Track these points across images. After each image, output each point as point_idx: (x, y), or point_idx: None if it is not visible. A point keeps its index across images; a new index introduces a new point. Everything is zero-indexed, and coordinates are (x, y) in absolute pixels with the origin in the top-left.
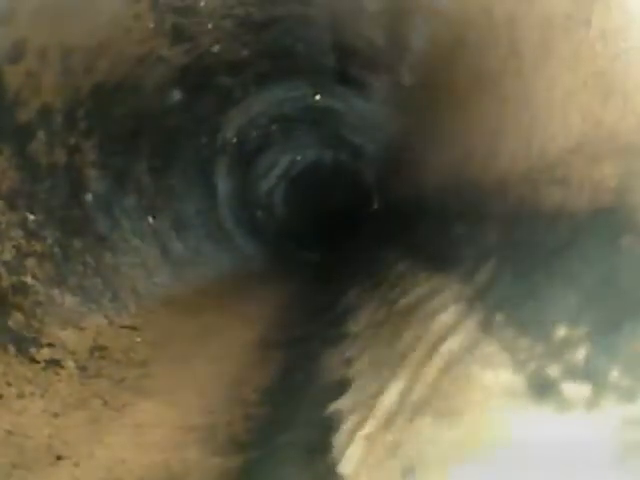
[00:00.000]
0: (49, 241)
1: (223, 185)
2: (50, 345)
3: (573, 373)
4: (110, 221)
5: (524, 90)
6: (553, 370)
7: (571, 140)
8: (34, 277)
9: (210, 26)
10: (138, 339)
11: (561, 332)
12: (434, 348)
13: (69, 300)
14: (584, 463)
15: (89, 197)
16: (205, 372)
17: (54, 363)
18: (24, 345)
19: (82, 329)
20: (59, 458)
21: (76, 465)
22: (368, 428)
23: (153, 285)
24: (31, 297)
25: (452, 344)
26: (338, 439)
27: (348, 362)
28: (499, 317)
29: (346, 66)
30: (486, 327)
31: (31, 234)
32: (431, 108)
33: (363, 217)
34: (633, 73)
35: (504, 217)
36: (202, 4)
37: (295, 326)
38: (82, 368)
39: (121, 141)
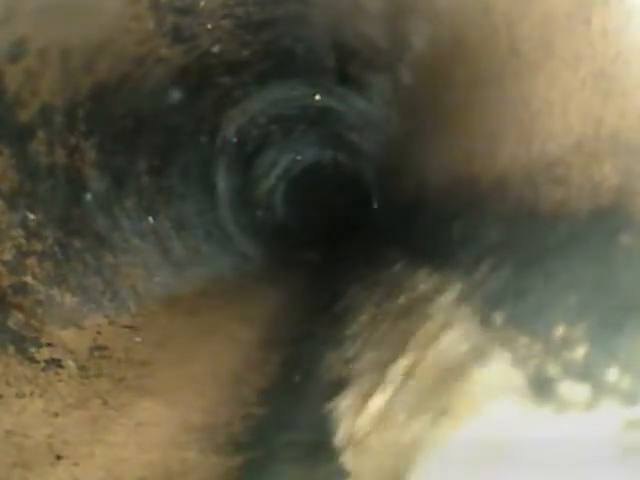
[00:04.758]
0: (49, 241)
1: (223, 185)
2: (50, 345)
3: (572, 372)
4: (110, 221)
5: (524, 90)
6: (552, 369)
7: (571, 140)
8: (34, 277)
9: (210, 26)
10: (138, 339)
11: (560, 331)
12: (433, 346)
13: (69, 300)
14: (584, 463)
15: (89, 197)
16: (205, 372)
17: (54, 363)
18: (24, 345)
19: (82, 329)
20: (59, 458)
21: (76, 465)
22: (367, 427)
23: (153, 285)
24: (31, 297)
25: (451, 342)
26: (337, 439)
27: (348, 362)
28: (498, 315)
29: (346, 66)
30: (485, 325)
31: (31, 234)
32: (431, 108)
33: (363, 217)
34: (633, 73)
35: (504, 217)
36: (202, 4)
37: (295, 326)
38: (82, 368)
39: (121, 141)
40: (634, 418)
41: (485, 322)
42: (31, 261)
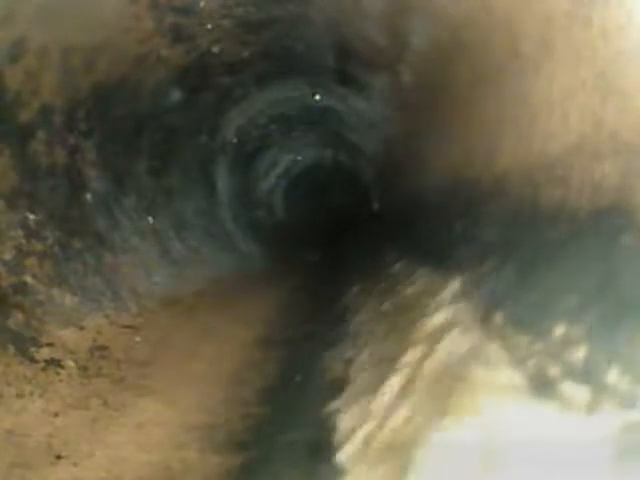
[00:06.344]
0: (49, 241)
1: (223, 185)
2: (50, 345)
3: (572, 373)
4: (110, 221)
5: (524, 90)
6: (552, 369)
7: (571, 139)
8: (34, 277)
9: (210, 26)
10: (138, 339)
11: (560, 331)
12: (434, 346)
13: (69, 300)
14: (583, 463)
15: (89, 197)
16: (205, 372)
17: (54, 363)
18: (24, 345)
19: (82, 329)
20: (59, 457)
21: (75, 464)
22: (367, 427)
23: (153, 285)
24: (31, 297)
25: (451, 342)
26: (337, 439)
27: (348, 362)
28: (498, 315)
29: (346, 66)
30: (485, 325)
31: (31, 234)
32: (431, 108)
33: (363, 216)
34: (633, 73)
35: (504, 216)
36: (202, 4)
37: (295, 326)
38: (82, 368)
39: (121, 141)
40: (634, 419)
41: (485, 322)
42: (31, 261)
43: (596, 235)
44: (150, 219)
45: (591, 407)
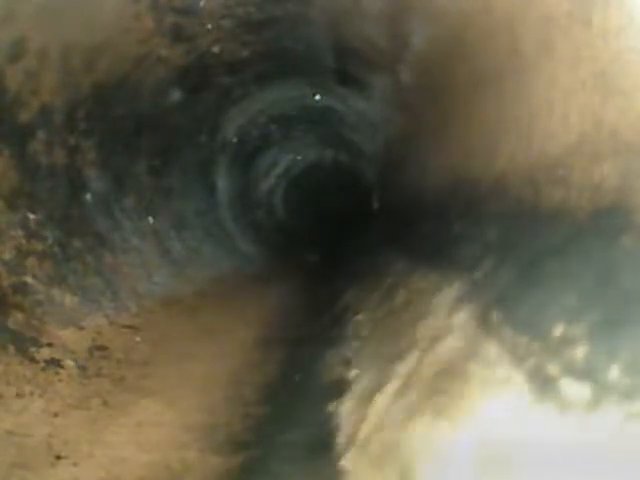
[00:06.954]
0: (49, 241)
1: (223, 185)
2: (50, 345)
3: (572, 372)
4: (110, 221)
5: (524, 89)
6: (552, 369)
7: (571, 140)
8: (34, 277)
9: (210, 26)
10: (138, 339)
11: (560, 331)
12: (433, 346)
13: (69, 300)
14: (584, 462)
15: (89, 197)
16: (205, 372)
17: (54, 363)
18: (24, 345)
19: (82, 329)
20: (59, 457)
21: (75, 464)
22: (367, 427)
23: (153, 285)
24: (31, 297)
25: (451, 342)
26: (337, 438)
27: (348, 362)
28: (497, 315)
29: (346, 66)
30: (485, 325)
31: (31, 234)
32: (431, 108)
33: (363, 217)
34: (633, 73)
35: (503, 216)
36: (202, 4)
37: (295, 326)
38: (82, 368)
39: (121, 141)
40: (634, 417)
41: (484, 321)
42: (31, 261)
43: (596, 235)
44: (150, 219)
45: (591, 406)
